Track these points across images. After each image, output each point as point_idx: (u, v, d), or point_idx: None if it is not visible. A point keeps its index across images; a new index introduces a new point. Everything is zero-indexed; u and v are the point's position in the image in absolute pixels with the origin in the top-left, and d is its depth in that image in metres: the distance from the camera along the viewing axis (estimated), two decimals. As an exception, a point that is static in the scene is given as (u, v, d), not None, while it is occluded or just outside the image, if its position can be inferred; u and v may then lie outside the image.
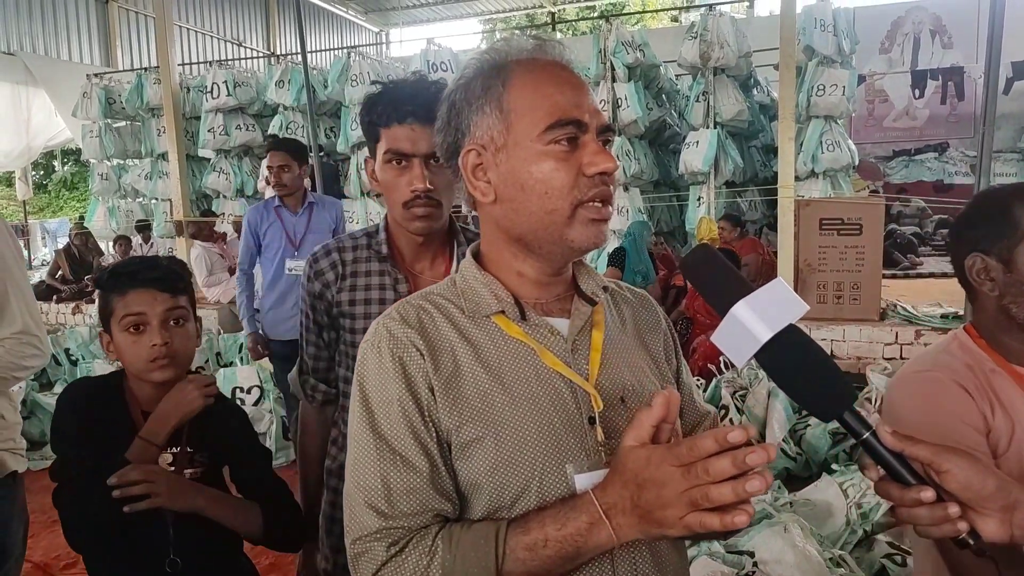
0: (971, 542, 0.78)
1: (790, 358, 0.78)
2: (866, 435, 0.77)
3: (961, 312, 4.85)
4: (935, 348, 1.30)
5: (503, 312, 0.92)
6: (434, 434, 0.87)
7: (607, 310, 1.00)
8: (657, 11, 20.54)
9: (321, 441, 1.63)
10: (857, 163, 7.68)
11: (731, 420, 4.25)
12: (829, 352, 5.27)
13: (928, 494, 0.75)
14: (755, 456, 0.68)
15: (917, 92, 12.05)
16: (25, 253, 12.76)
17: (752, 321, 0.77)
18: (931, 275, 7.89)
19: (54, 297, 7.78)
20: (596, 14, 17.74)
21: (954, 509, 0.76)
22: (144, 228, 9.42)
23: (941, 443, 0.80)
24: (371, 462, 0.86)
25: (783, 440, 3.97)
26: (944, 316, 5.15)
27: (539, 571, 0.80)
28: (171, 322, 1.44)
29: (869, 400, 4.24)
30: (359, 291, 1.49)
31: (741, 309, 0.77)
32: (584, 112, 0.88)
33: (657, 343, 1.04)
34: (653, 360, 1.02)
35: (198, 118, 9.05)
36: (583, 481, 0.84)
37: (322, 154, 7.95)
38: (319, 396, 1.61)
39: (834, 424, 3.95)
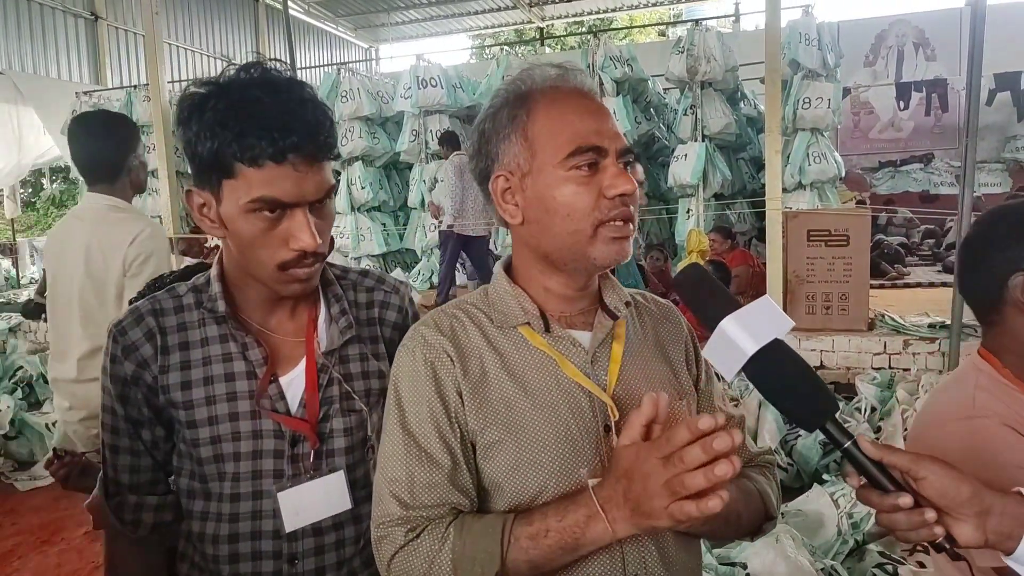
0: (947, 546, 0.82)
1: (775, 370, 0.82)
2: (847, 444, 0.81)
3: (948, 322, 4.89)
4: (967, 385, 1.18)
5: (529, 324, 0.98)
6: (459, 435, 0.94)
7: (630, 323, 1.05)
8: (645, 26, 20.70)
9: None
10: (844, 175, 7.76)
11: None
12: (819, 362, 5.30)
13: (906, 500, 0.79)
14: (719, 441, 0.73)
15: (902, 104, 12.17)
16: (13, 272, 12.70)
17: (739, 335, 0.81)
18: (918, 285, 7.94)
19: (42, 316, 7.70)
20: (584, 29, 17.87)
21: (930, 515, 0.79)
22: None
23: (1001, 489, 0.84)
24: (399, 456, 0.94)
25: (774, 451, 3.98)
26: (932, 326, 5.19)
27: (540, 560, 0.86)
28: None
29: (859, 410, 4.26)
30: (195, 368, 1.09)
31: (729, 324, 0.81)
32: (604, 138, 0.93)
33: (679, 353, 1.09)
34: (673, 370, 1.06)
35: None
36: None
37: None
38: (148, 517, 1.14)
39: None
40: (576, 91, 0.97)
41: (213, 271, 1.13)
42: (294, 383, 1.12)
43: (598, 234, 0.93)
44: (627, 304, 1.04)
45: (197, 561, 1.12)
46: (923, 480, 0.81)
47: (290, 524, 1.09)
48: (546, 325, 0.98)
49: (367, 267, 1.37)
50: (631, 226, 0.95)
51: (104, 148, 2.17)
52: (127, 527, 1.14)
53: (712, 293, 0.87)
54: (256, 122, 0.95)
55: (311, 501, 1.09)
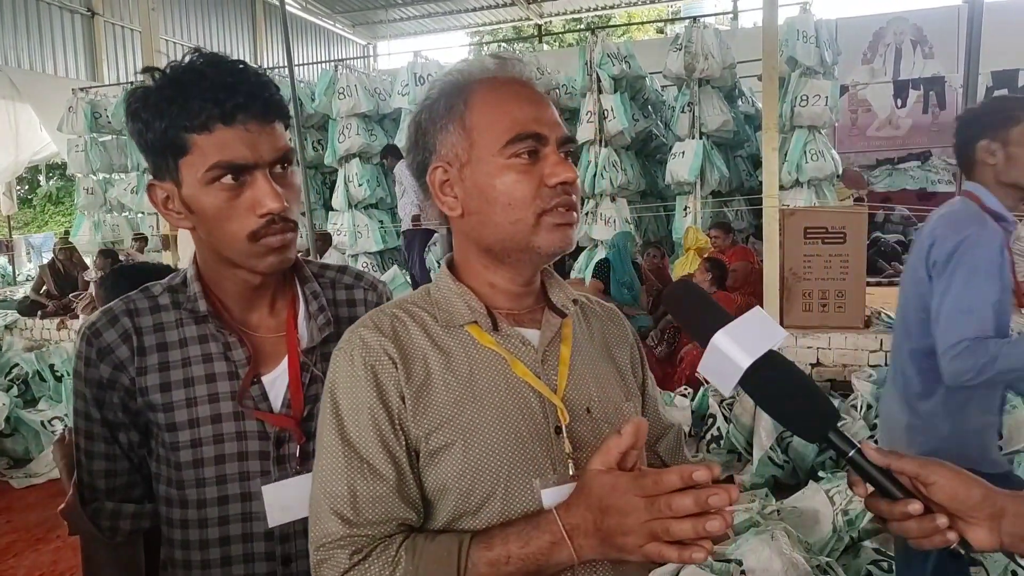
0: (962, 552, 0.79)
1: (772, 383, 0.80)
2: (851, 453, 0.79)
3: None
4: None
5: (476, 322, 0.94)
6: (403, 443, 0.88)
7: (576, 322, 1.02)
8: (642, 23, 20.69)
9: None
10: (841, 172, 7.76)
11: (718, 428, 4.27)
12: (815, 360, 5.30)
13: (916, 507, 0.77)
14: (717, 498, 0.70)
15: (899, 102, 12.16)
16: (9, 269, 12.68)
17: (732, 349, 0.79)
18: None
19: (38, 312, 7.70)
20: (582, 26, 17.87)
21: (942, 520, 0.77)
22: (140, 240, 9.38)
23: None
24: (339, 469, 0.87)
25: (770, 448, 3.99)
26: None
27: None
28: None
29: (855, 407, 4.26)
30: (174, 370, 1.07)
31: (721, 338, 0.80)
32: (543, 125, 0.91)
33: (624, 356, 1.07)
34: (620, 372, 1.04)
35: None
36: (549, 496, 0.86)
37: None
38: (125, 524, 1.12)
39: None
40: (515, 80, 0.94)
41: (190, 271, 1.12)
42: (277, 382, 1.11)
43: (541, 223, 0.90)
44: (574, 302, 1.02)
45: (182, 570, 1.10)
46: (933, 485, 0.79)
47: (273, 520, 1.07)
48: (494, 323, 0.94)
49: (345, 264, 1.39)
50: (575, 214, 0.92)
51: None
52: (104, 533, 1.12)
53: (702, 308, 0.85)
54: (199, 90, 0.97)
55: (297, 497, 1.06)
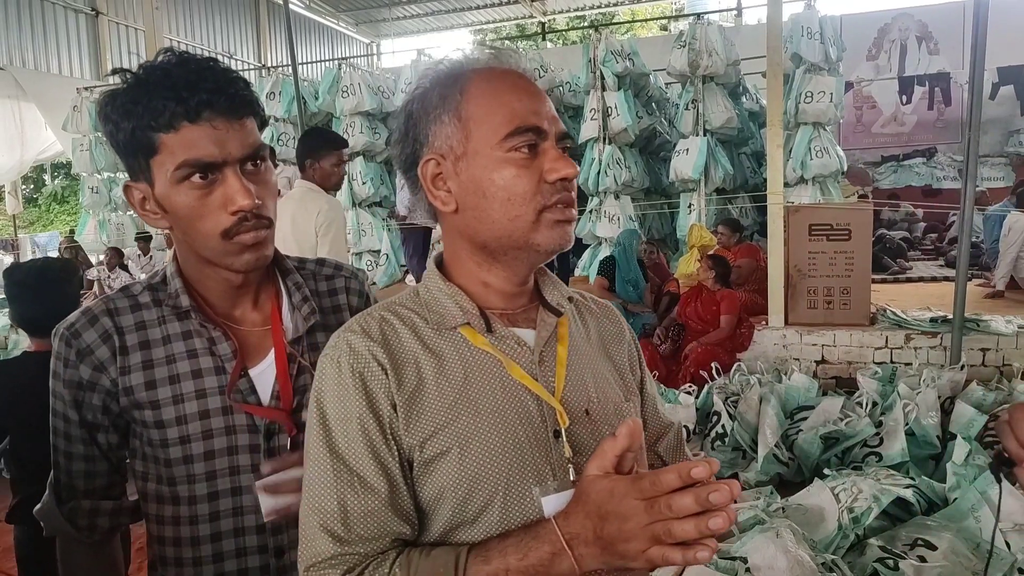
0: (1008, 468, 0.89)
1: None
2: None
3: (950, 316, 4.88)
4: None
5: (469, 324, 0.90)
6: (395, 453, 0.85)
7: (572, 321, 0.99)
8: (646, 20, 20.64)
9: None
10: (846, 169, 7.74)
11: (723, 426, 4.26)
12: (820, 357, 5.30)
13: None
14: (718, 495, 0.67)
15: (904, 98, 12.11)
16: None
17: None
18: (920, 279, 7.93)
19: (45, 311, 7.73)
20: (586, 24, 17.84)
21: None
22: (144, 240, 9.40)
23: None
24: (328, 483, 0.83)
25: (775, 445, 3.98)
26: (933, 320, 5.18)
27: None
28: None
29: (860, 404, 4.25)
30: (159, 367, 1.06)
31: None
32: (543, 119, 0.88)
33: (621, 354, 1.04)
34: (617, 371, 1.02)
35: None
36: (550, 504, 0.82)
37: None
38: (103, 522, 1.11)
39: (826, 429, 3.99)
40: (512, 71, 0.90)
41: (170, 268, 1.11)
42: (264, 375, 1.10)
43: (541, 219, 0.86)
44: (569, 299, 0.99)
45: (173, 567, 1.09)
46: None
47: (267, 507, 1.07)
48: (488, 324, 0.90)
49: (323, 257, 1.47)
50: (574, 211, 0.89)
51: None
52: (82, 533, 1.10)
53: None
54: (163, 88, 0.95)
55: (288, 487, 1.06)
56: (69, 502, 1.10)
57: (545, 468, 0.86)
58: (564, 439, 0.88)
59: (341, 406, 0.85)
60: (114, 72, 1.01)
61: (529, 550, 0.77)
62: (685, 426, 4.28)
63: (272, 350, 1.11)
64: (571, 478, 0.86)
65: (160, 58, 0.99)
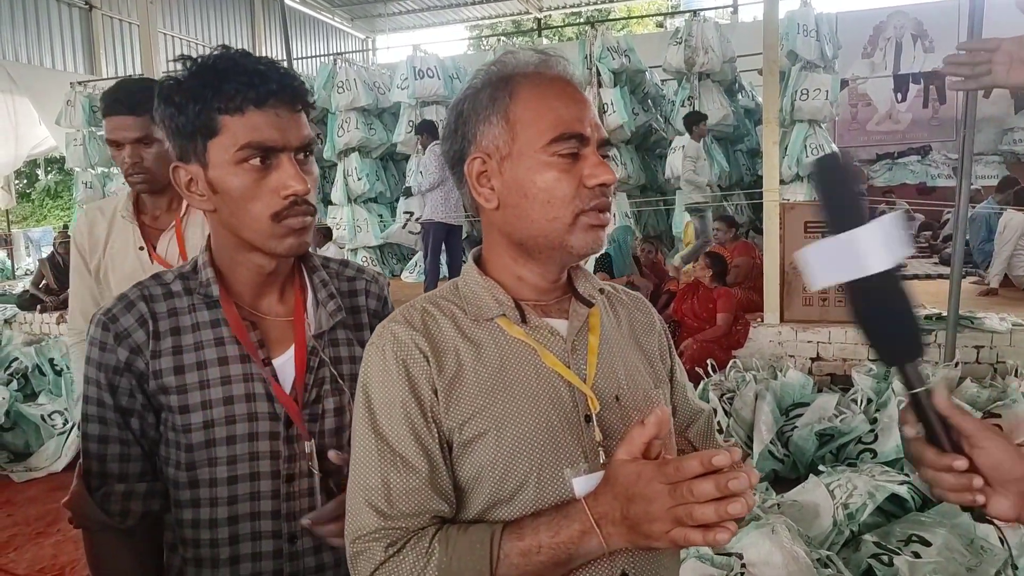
0: (975, 509, 0.85)
1: (882, 296, 0.79)
2: (920, 390, 0.82)
3: (944, 313, 4.90)
4: None
5: (504, 315, 0.96)
6: (436, 435, 0.90)
7: (603, 312, 1.03)
8: (642, 17, 20.64)
9: None
10: (841, 166, 7.74)
11: (719, 422, 4.27)
12: (815, 354, 5.31)
13: (961, 463, 0.81)
14: (736, 482, 0.72)
15: (899, 96, 12.16)
16: (8, 263, 12.66)
17: (870, 250, 0.77)
18: (915, 277, 7.95)
19: (38, 307, 7.69)
20: (582, 20, 17.83)
21: (978, 482, 0.81)
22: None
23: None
24: (372, 462, 0.89)
25: (770, 442, 3.99)
26: (928, 317, 5.19)
27: (532, 575, 0.83)
28: None
29: (855, 401, 4.27)
30: (187, 353, 1.09)
31: (865, 234, 0.77)
32: (586, 126, 0.92)
33: (652, 343, 1.08)
34: (647, 360, 1.06)
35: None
36: (581, 485, 0.86)
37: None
38: (137, 505, 1.10)
39: (821, 425, 4.00)
40: (560, 78, 0.95)
41: (201, 258, 1.14)
42: (286, 366, 1.13)
43: (577, 222, 0.91)
44: (600, 291, 1.04)
45: (191, 548, 1.12)
46: (981, 450, 0.81)
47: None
48: (522, 315, 0.96)
49: (346, 259, 1.42)
50: (608, 215, 0.94)
51: None
52: (115, 518, 1.10)
53: (849, 193, 0.81)
54: (235, 75, 1.02)
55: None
56: (101, 488, 1.11)
57: (577, 451, 0.91)
58: (595, 424, 0.93)
59: (385, 391, 0.91)
60: (178, 59, 1.06)
61: (560, 528, 0.82)
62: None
63: (294, 343, 1.15)
64: (601, 461, 0.91)
65: (217, 53, 1.05)
